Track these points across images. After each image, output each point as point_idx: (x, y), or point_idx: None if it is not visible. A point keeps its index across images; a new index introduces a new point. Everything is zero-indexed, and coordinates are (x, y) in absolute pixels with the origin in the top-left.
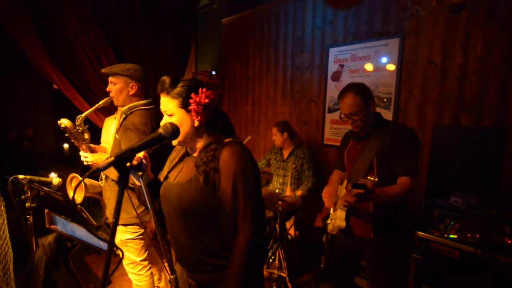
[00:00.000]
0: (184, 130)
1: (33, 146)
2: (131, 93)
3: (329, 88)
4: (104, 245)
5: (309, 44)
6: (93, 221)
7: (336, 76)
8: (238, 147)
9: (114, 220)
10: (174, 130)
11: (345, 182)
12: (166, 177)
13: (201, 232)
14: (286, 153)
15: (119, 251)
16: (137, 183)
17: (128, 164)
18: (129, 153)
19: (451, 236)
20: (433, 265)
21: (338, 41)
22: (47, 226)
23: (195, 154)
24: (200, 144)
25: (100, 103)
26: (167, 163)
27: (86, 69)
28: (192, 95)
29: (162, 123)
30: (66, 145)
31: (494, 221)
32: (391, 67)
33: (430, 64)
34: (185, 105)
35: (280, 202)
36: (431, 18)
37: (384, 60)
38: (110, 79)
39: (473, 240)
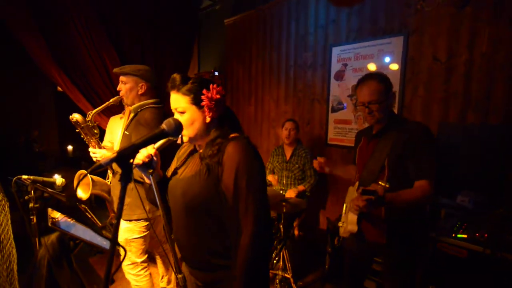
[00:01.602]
0: (195, 127)
1: (40, 147)
2: (140, 92)
3: (332, 87)
4: (107, 244)
5: (312, 43)
6: (97, 221)
7: (340, 75)
8: (244, 141)
9: (117, 216)
10: (178, 126)
11: (357, 183)
12: (174, 173)
13: (204, 230)
14: (288, 153)
15: (121, 249)
16: (147, 180)
17: (131, 160)
18: (132, 150)
19: (459, 235)
20: (440, 265)
21: (341, 40)
22: (49, 224)
23: (202, 150)
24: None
25: (111, 100)
26: (175, 160)
27: (90, 69)
28: (204, 91)
29: None
30: (70, 147)
31: (503, 220)
32: (395, 65)
33: (435, 62)
34: (196, 102)
35: (284, 203)
36: (435, 15)
37: (388, 58)
38: (121, 78)
39: (482, 239)
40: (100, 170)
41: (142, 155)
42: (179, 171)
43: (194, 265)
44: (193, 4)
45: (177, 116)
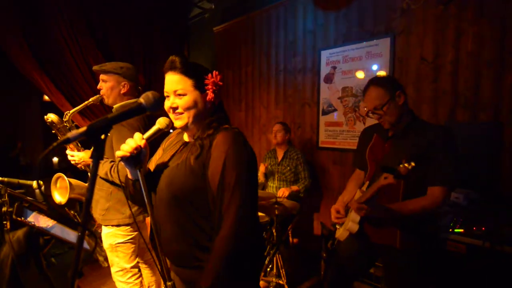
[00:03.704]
0: (195, 111)
1: (19, 159)
2: (122, 91)
3: (322, 90)
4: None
5: (301, 48)
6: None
7: (329, 78)
8: (234, 132)
9: (87, 197)
10: (157, 100)
11: (366, 183)
12: (166, 166)
13: (189, 222)
14: (280, 155)
15: (91, 240)
16: (130, 176)
17: (103, 136)
18: (104, 123)
19: (456, 230)
20: (439, 261)
21: (329, 44)
22: (14, 216)
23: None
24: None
25: (90, 100)
26: (160, 151)
27: (74, 74)
28: (209, 76)
29: (166, 105)
30: (55, 159)
31: (499, 214)
32: (384, 66)
33: (422, 62)
34: (199, 86)
35: (276, 206)
36: (420, 16)
37: (376, 60)
38: (102, 77)
39: (480, 233)
40: (67, 145)
41: (129, 146)
42: (170, 163)
43: (178, 262)
44: (182, 12)
45: (173, 99)
